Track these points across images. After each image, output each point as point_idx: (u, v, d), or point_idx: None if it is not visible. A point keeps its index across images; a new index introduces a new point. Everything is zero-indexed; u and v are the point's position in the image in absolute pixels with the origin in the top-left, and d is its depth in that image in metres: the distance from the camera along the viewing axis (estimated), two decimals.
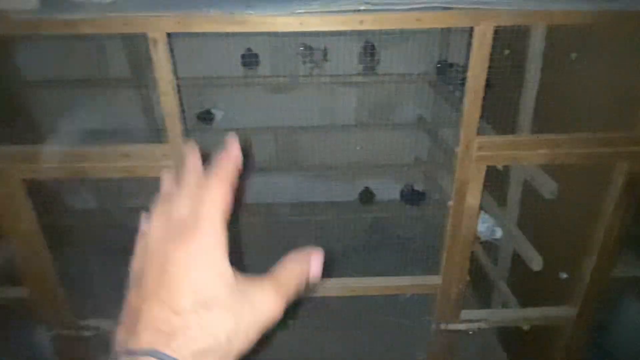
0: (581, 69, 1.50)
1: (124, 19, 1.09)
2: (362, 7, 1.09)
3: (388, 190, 3.30)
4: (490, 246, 2.13)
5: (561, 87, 1.55)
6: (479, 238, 2.11)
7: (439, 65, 2.69)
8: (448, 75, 2.55)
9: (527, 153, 1.32)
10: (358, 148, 3.01)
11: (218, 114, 2.81)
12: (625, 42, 1.33)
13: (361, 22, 1.10)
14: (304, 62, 2.68)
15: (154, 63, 1.14)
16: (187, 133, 2.86)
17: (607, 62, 1.42)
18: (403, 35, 2.73)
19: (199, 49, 2.70)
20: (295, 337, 2.33)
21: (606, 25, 1.31)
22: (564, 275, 1.57)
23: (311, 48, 2.72)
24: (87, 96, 2.78)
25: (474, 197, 1.37)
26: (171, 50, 1.17)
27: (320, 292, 1.53)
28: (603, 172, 1.38)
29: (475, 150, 1.28)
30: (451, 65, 2.61)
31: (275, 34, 2.68)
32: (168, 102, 1.19)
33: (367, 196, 3.23)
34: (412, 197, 3.15)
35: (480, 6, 1.12)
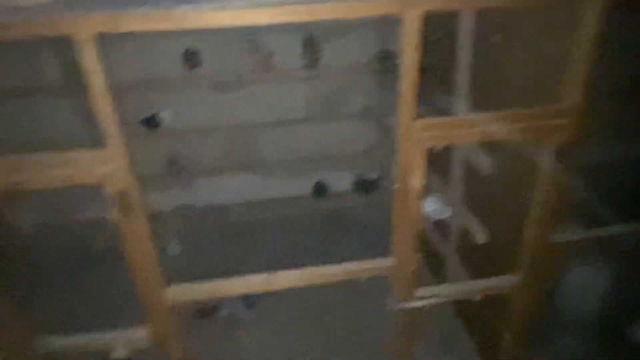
0: (508, 49, 1.59)
1: (47, 21, 1.05)
2: None
3: (341, 181, 3.34)
4: (441, 225, 2.22)
5: (492, 67, 1.63)
6: (430, 219, 2.19)
7: (380, 55, 2.75)
8: (388, 63, 2.61)
9: (464, 132, 1.39)
10: (301, 143, 3.03)
11: (166, 116, 2.73)
12: (547, 22, 1.42)
13: (293, 13, 1.12)
14: (250, 55, 2.66)
15: (83, 66, 1.10)
16: (135, 137, 2.79)
17: (531, 41, 1.51)
18: (343, 27, 2.77)
19: (140, 50, 2.63)
20: (259, 334, 2.34)
21: (530, 6, 1.39)
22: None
23: (256, 44, 2.71)
24: (22, 106, 2.64)
25: (417, 179, 1.42)
26: (106, 53, 1.14)
27: (277, 286, 1.54)
28: (535, 145, 1.47)
29: (414, 133, 1.33)
30: (391, 53, 2.67)
31: (217, 32, 2.65)
32: (102, 105, 1.16)
33: (320, 189, 3.26)
34: (364, 186, 3.21)
35: None
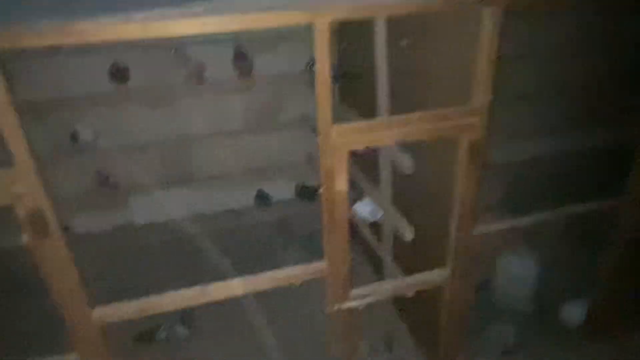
0: (423, 54, 1.68)
1: None
2: (200, 9, 1.11)
3: (284, 189, 3.36)
4: (376, 226, 2.28)
5: (409, 71, 1.71)
6: (365, 221, 2.25)
7: (311, 65, 2.80)
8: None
9: (382, 134, 1.44)
10: (241, 154, 3.03)
11: (86, 134, 2.64)
12: (453, 28, 1.51)
13: (204, 24, 1.13)
14: (180, 68, 2.64)
15: None
16: (60, 157, 2.66)
17: (442, 46, 1.60)
18: (274, 38, 2.81)
19: (65, 67, 2.54)
20: (200, 352, 2.29)
21: (436, 12, 1.48)
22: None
23: (185, 56, 2.69)
24: None
25: (341, 182, 1.46)
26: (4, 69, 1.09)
27: (211, 298, 1.52)
28: (451, 143, 1.56)
29: (334, 137, 1.37)
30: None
31: (145, 46, 2.61)
32: (6, 122, 1.11)
33: (263, 198, 3.27)
34: (307, 193, 3.25)
35: (315, 3, 1.20)
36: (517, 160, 2.70)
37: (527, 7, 1.39)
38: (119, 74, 2.52)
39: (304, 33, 2.95)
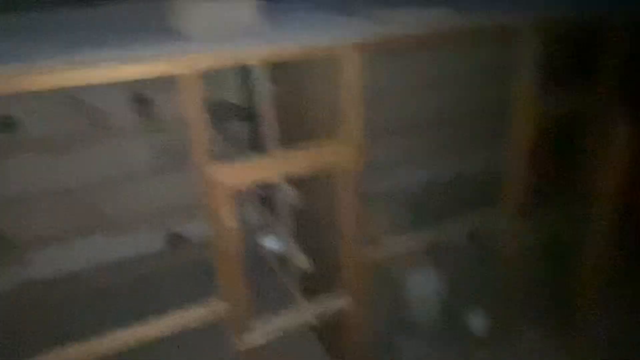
0: (302, 92, 1.79)
1: None
2: (59, 62, 1.13)
3: (200, 230, 3.31)
4: (285, 259, 2.33)
5: (290, 111, 1.82)
6: (273, 254, 2.29)
7: (215, 105, 2.85)
8: (220, 113, 2.72)
9: (263, 171, 1.52)
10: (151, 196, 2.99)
11: None
12: (325, 68, 1.63)
13: (65, 79, 1.15)
14: (76, 114, 2.58)
15: None
16: None
17: (318, 85, 1.72)
18: (172, 80, 2.83)
19: None
20: None
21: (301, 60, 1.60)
22: None
23: (79, 102, 2.63)
24: None
25: (230, 219, 1.50)
26: None
27: (102, 352, 1.47)
28: (332, 173, 1.66)
29: (215, 176, 1.42)
30: (226, 102, 2.79)
31: (38, 95, 2.53)
32: None
33: (177, 240, 3.20)
34: None
35: (179, 55, 1.27)
36: (420, 184, 2.88)
37: (385, 50, 1.54)
38: (5, 126, 2.41)
39: (208, 75, 3.00)
